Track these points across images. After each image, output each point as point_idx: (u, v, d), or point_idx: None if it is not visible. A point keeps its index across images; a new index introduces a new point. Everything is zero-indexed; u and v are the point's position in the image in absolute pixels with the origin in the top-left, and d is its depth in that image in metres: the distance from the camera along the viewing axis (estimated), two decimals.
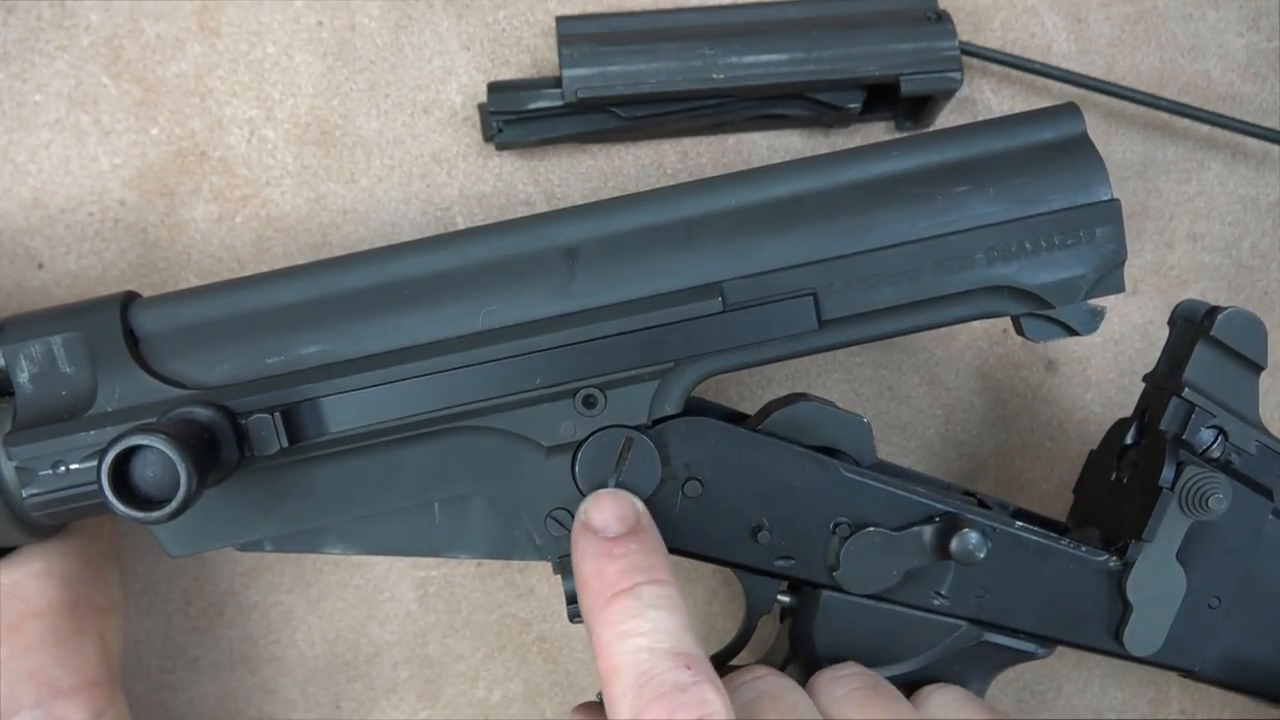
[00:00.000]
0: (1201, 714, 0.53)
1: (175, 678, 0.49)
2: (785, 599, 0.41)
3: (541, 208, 0.48)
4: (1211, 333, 0.38)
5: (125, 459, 0.30)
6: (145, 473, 0.30)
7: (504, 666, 0.51)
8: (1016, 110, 0.49)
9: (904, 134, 0.49)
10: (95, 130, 0.45)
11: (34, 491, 0.33)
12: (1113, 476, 0.42)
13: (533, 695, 0.51)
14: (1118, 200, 0.36)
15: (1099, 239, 0.36)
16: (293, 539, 0.37)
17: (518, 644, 0.51)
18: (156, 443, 0.29)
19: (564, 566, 0.38)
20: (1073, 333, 0.37)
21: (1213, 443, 0.39)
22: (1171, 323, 0.41)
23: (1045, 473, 0.52)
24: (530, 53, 0.47)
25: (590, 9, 0.47)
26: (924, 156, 0.36)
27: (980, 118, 0.49)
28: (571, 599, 0.37)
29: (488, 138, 0.46)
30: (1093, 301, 0.37)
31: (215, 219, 0.46)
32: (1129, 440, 0.42)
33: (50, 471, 0.33)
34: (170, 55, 0.45)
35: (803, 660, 0.41)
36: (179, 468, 0.29)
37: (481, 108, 0.45)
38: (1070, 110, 0.37)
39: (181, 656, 0.48)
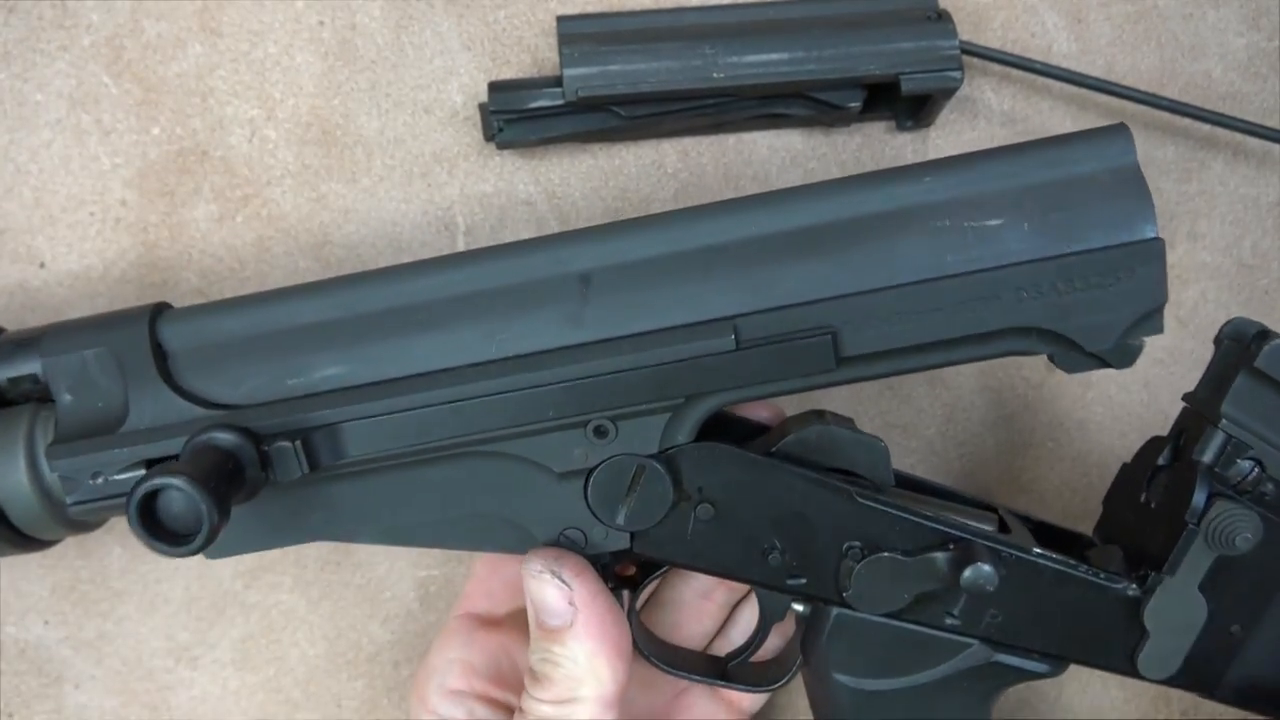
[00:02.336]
0: (1203, 715, 0.53)
1: (176, 677, 0.49)
2: (799, 608, 0.41)
3: (543, 207, 0.48)
4: (1255, 364, 0.36)
5: (152, 495, 0.31)
6: (171, 508, 0.31)
7: None
8: (1017, 111, 0.49)
9: (909, 135, 0.49)
10: (96, 130, 0.45)
11: (77, 499, 0.35)
12: (1142, 497, 0.41)
13: None
14: (1161, 240, 0.34)
15: (1139, 280, 0.34)
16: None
17: None
18: (179, 483, 0.30)
19: None
20: (1107, 365, 0.35)
21: (1249, 474, 0.37)
22: (1217, 341, 0.39)
23: (1045, 472, 0.52)
24: (531, 52, 0.47)
25: (591, 8, 0.47)
26: (958, 184, 0.34)
27: (980, 117, 0.49)
28: None
29: (488, 137, 0.46)
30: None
31: (216, 219, 0.46)
32: (1162, 461, 0.40)
33: (91, 482, 0.35)
34: (171, 55, 0.45)
35: (814, 668, 0.41)
36: (201, 506, 0.30)
37: (482, 107, 0.45)
38: (1119, 134, 0.35)
39: (183, 656, 0.48)
